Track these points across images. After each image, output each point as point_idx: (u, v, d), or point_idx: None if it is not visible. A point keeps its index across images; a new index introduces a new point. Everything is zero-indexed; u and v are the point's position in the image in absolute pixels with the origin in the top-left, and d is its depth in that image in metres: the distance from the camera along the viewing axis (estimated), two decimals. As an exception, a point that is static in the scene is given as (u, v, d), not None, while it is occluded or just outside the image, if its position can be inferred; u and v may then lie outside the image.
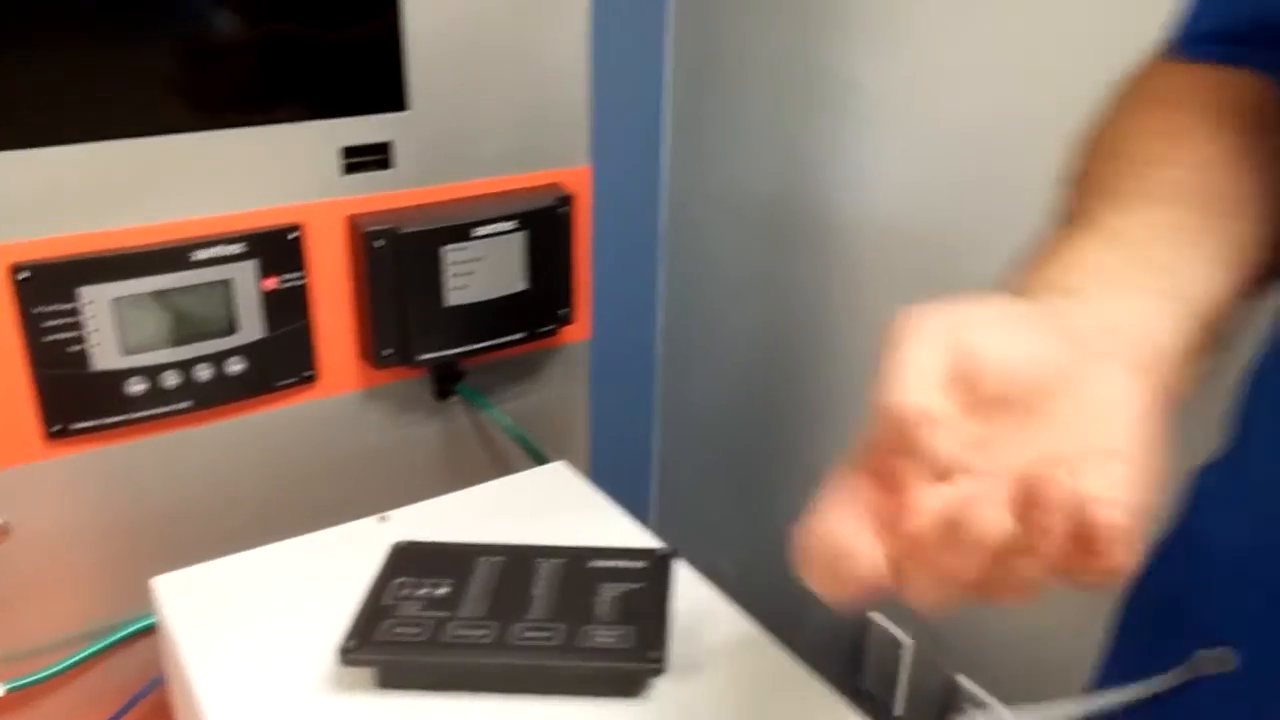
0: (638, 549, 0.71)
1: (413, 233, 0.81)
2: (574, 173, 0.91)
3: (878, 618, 1.44)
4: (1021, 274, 0.43)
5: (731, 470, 1.73)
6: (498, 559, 0.70)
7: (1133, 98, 0.51)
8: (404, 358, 0.84)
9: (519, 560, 0.70)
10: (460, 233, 0.83)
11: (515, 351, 0.92)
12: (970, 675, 1.28)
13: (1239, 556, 0.50)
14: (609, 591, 0.67)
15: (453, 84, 0.82)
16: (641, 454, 1.89)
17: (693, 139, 1.61)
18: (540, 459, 0.94)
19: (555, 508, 0.82)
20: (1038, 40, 1.00)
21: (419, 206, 0.83)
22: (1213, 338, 0.43)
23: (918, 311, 0.37)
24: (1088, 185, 0.48)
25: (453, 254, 0.83)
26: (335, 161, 0.79)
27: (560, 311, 0.92)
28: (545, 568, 0.69)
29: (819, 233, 1.40)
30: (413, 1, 0.78)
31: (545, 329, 0.91)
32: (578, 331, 0.96)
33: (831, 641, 1.57)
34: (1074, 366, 0.36)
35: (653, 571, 0.69)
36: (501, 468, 0.97)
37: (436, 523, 0.79)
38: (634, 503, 1.76)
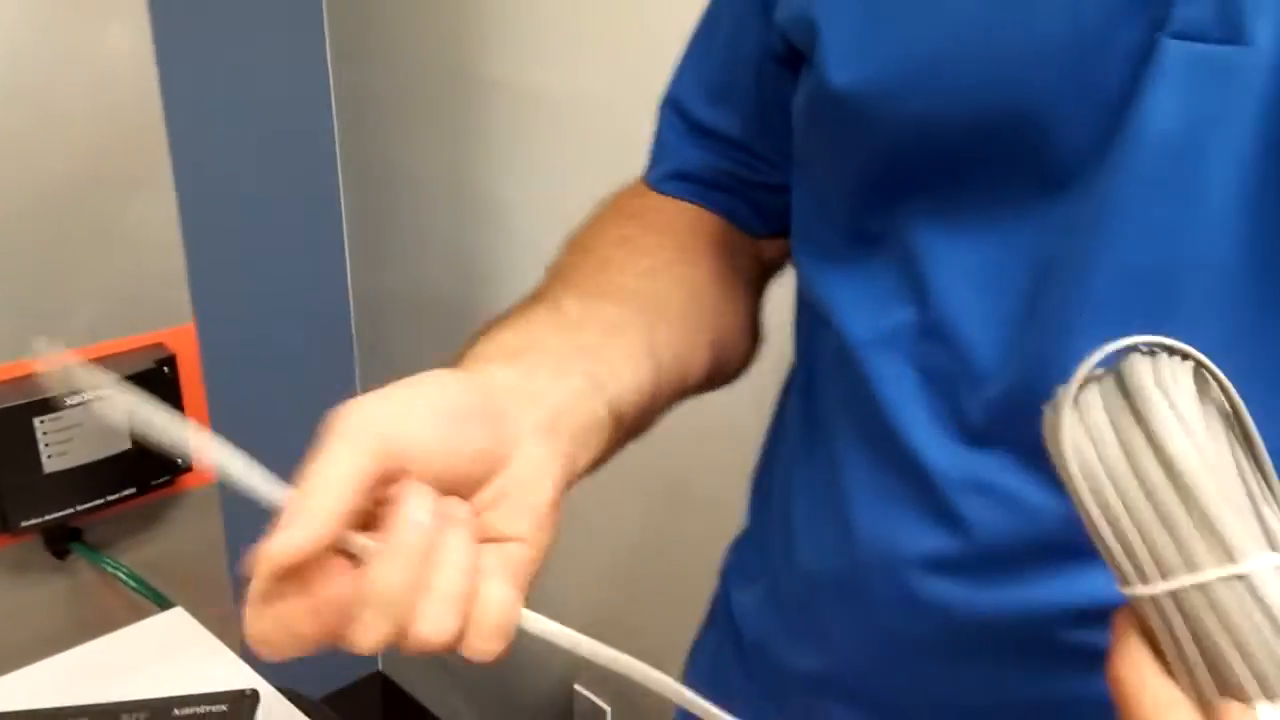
0: (221, 693, 0.76)
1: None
2: (177, 331, 0.96)
3: (580, 688, 1.53)
4: (480, 334, 0.48)
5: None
6: (81, 720, 0.74)
7: (610, 209, 0.62)
8: (3, 527, 0.87)
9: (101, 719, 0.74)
10: (52, 404, 0.87)
11: (134, 504, 0.96)
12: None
13: (761, 632, 0.59)
14: (187, 738, 0.72)
15: (33, 263, 0.87)
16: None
17: (373, 252, 1.70)
18: (166, 605, 0.98)
19: (164, 657, 0.86)
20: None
21: (9, 381, 0.87)
22: (623, 423, 0.48)
23: (346, 409, 0.38)
24: (560, 273, 0.56)
25: (46, 424, 0.87)
26: (-89, 347, 0.83)
27: (176, 462, 0.97)
28: (127, 723, 0.73)
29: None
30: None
31: (160, 480, 0.96)
32: (199, 477, 1.01)
33: (541, 710, 1.65)
34: (497, 447, 0.39)
35: (234, 714, 0.75)
36: (135, 616, 1.00)
37: (41, 686, 0.81)
38: None
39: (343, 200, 1.69)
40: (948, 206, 0.44)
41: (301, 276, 1.67)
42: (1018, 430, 0.41)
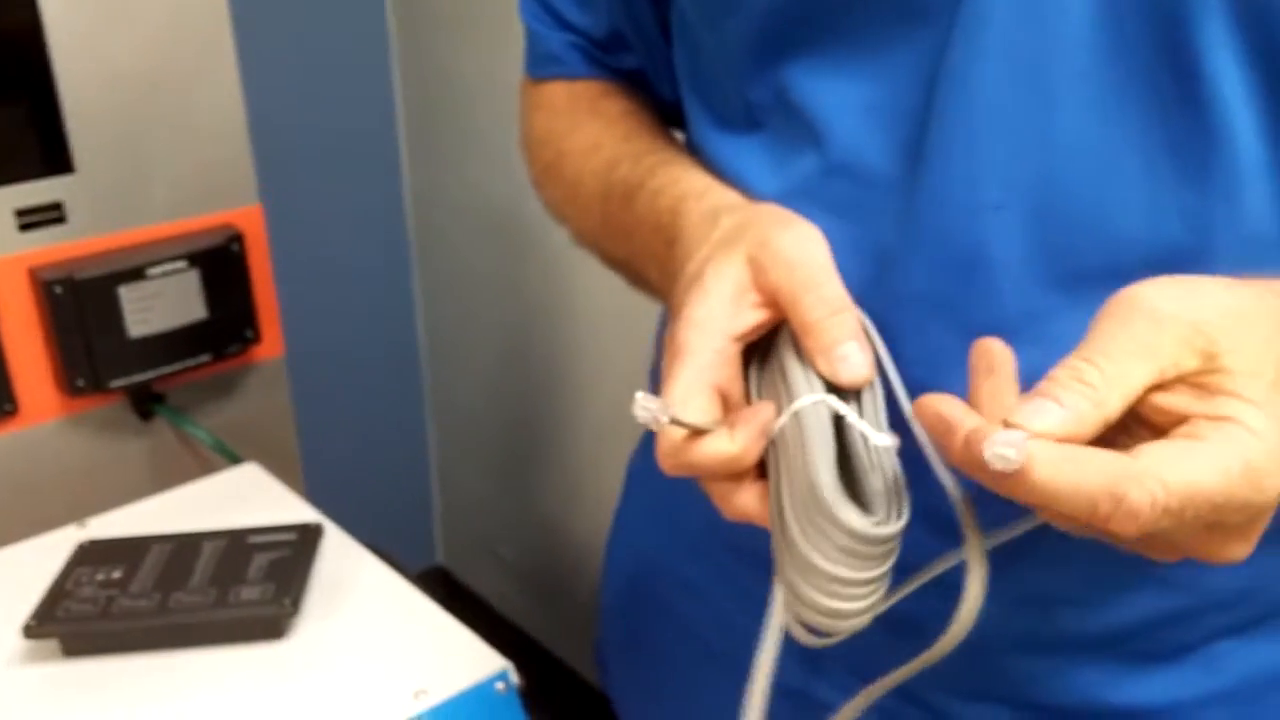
0: (291, 524, 0.86)
1: (88, 278, 0.94)
2: (245, 212, 1.05)
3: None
4: (686, 205, 0.52)
5: (502, 458, 1.88)
6: (169, 545, 0.83)
7: (553, 116, 0.67)
8: (96, 386, 0.97)
9: (187, 544, 0.83)
10: (135, 274, 0.96)
11: (209, 372, 1.05)
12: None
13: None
14: (261, 559, 0.81)
15: (115, 146, 0.95)
16: (417, 453, 2.02)
17: (430, 158, 1.76)
18: (240, 463, 1.07)
19: (240, 502, 0.95)
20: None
21: (95, 254, 0.96)
22: None
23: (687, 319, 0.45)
24: (611, 171, 0.60)
25: (129, 292, 0.96)
26: (11, 222, 0.92)
27: (246, 333, 1.06)
28: (209, 547, 0.83)
29: (543, 235, 1.57)
30: (67, 79, 0.91)
31: (231, 350, 1.05)
32: (268, 350, 1.10)
33: (595, 605, 1.74)
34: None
35: (301, 541, 0.84)
36: (212, 473, 1.09)
37: (132, 523, 0.91)
38: (414, 501, 1.87)
39: (399, 101, 1.76)
40: (829, 57, 0.48)
41: (360, 171, 1.76)
42: (929, 228, 0.46)
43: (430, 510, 2.09)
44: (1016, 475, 0.35)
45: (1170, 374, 0.38)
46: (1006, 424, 0.37)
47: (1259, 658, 0.54)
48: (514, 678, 0.75)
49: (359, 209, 1.77)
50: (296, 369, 1.20)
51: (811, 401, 0.42)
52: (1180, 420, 0.38)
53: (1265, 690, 0.55)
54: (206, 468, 1.10)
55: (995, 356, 0.41)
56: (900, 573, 0.42)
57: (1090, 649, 0.53)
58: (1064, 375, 0.38)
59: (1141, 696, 0.54)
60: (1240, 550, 0.39)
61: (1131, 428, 0.38)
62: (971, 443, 0.36)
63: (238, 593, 0.78)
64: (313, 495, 1.06)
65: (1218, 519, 0.37)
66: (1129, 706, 0.54)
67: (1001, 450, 0.35)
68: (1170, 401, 0.38)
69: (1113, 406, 0.37)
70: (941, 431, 0.38)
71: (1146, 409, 0.38)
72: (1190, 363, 0.38)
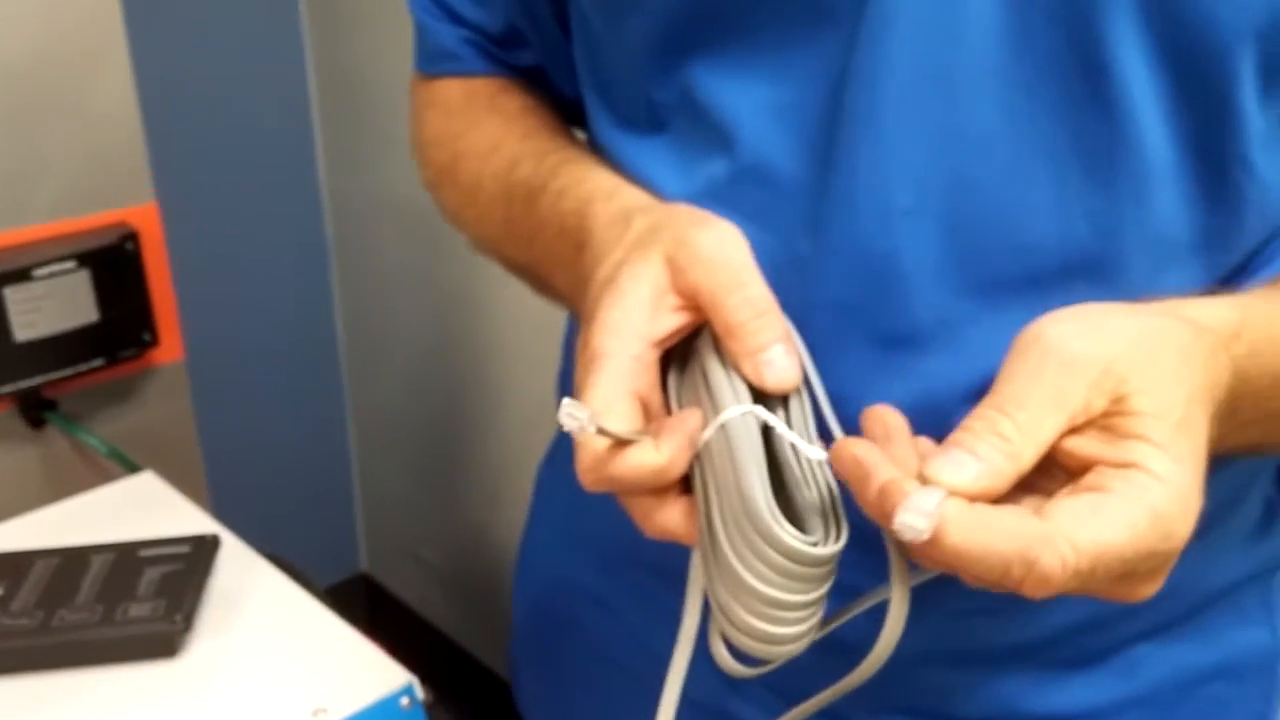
0: (185, 537, 0.82)
1: (-32, 279, 0.89)
2: (140, 211, 1.00)
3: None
4: (594, 207, 0.49)
5: (423, 459, 1.85)
6: (54, 560, 0.79)
7: (448, 115, 0.64)
8: (-22, 393, 0.92)
9: (73, 558, 0.79)
10: (20, 275, 0.91)
11: (103, 377, 1.01)
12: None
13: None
14: (152, 574, 0.77)
15: (-3, 141, 0.91)
16: (339, 457, 1.98)
17: (347, 155, 1.72)
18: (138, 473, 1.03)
19: (135, 514, 0.91)
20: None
21: (-25, 254, 0.91)
22: None
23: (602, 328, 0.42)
24: (511, 172, 0.57)
25: (14, 294, 0.91)
26: (-116, 221, 0.87)
27: (143, 336, 1.01)
28: (97, 562, 0.79)
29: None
30: (-58, 70, 0.87)
31: (127, 354, 1.00)
32: (167, 353, 1.05)
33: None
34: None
35: (195, 554, 0.80)
36: (108, 483, 1.05)
37: (20, 537, 0.86)
38: (336, 507, 1.80)
39: (313, 96, 1.72)
40: (734, 57, 0.47)
41: (274, 168, 1.71)
42: (840, 234, 0.45)
43: (353, 516, 2.04)
44: (928, 542, 0.35)
45: (1081, 419, 0.37)
46: (922, 477, 0.36)
47: (1175, 660, 0.54)
48: (420, 692, 0.72)
49: (274, 207, 1.72)
50: (203, 373, 1.15)
51: (739, 413, 0.40)
52: (1089, 465, 0.37)
53: (1182, 693, 0.54)
54: (103, 478, 1.05)
55: (889, 423, 0.40)
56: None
57: (1011, 659, 0.52)
58: (978, 426, 0.37)
59: (1062, 704, 0.53)
60: (1148, 590, 0.38)
61: (1043, 467, 0.38)
62: (886, 495, 0.36)
63: (126, 609, 0.74)
64: (223, 505, 1.02)
65: (1128, 571, 0.36)
66: (1049, 714, 0.53)
67: (911, 520, 0.34)
68: (1079, 446, 0.37)
69: (1027, 459, 0.37)
70: (858, 478, 0.37)
71: (1057, 453, 0.38)
72: (1099, 404, 0.37)
